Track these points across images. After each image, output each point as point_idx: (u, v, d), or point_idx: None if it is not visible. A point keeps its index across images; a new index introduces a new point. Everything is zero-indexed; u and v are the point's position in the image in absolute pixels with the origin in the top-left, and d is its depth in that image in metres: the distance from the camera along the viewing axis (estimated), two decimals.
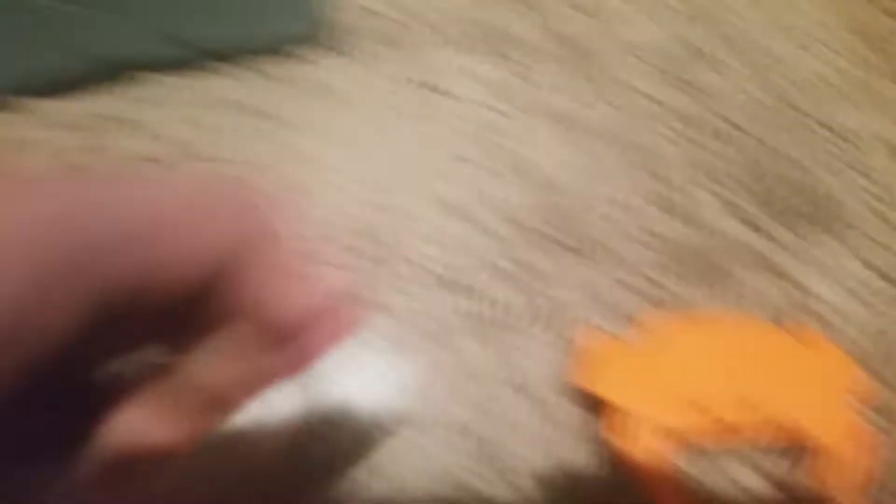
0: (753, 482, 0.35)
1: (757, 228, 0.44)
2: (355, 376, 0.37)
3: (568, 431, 0.36)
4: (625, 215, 0.44)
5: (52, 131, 0.46)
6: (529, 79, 0.52)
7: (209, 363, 0.21)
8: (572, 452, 0.35)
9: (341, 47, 0.53)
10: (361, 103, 0.50)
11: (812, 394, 0.35)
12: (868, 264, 0.43)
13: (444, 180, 0.45)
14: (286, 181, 0.45)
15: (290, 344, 0.22)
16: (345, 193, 0.44)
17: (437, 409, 0.36)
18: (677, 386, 0.35)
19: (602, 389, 0.35)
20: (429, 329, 0.39)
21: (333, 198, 0.44)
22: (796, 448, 0.35)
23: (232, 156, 0.46)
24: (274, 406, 0.35)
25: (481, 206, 0.44)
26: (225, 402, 0.22)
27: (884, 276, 0.42)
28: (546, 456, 0.35)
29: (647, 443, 0.33)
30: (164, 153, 0.46)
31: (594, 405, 0.36)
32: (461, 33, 0.55)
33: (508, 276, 0.41)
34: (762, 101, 0.52)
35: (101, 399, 0.22)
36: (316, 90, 0.50)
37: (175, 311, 0.21)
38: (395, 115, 0.49)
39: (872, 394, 0.36)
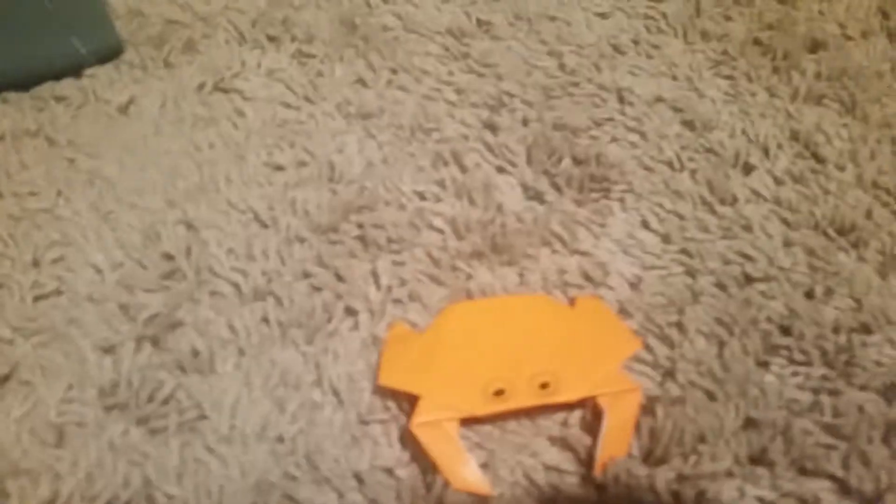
0: (549, 451, 0.37)
1: (547, 203, 0.47)
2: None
3: (383, 430, 0.37)
4: (425, 205, 0.46)
5: None
6: (326, 73, 0.53)
7: None
8: (389, 451, 0.37)
9: (138, 61, 0.53)
10: (163, 117, 0.50)
11: (588, 359, 0.38)
12: (646, 225, 0.46)
13: (248, 187, 0.46)
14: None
15: None
16: (151, 214, 0.45)
17: (255, 421, 0.37)
18: (466, 368, 0.38)
19: (397, 381, 0.37)
20: (240, 341, 0.40)
21: (140, 219, 0.45)
22: (581, 411, 0.38)
23: (38, 190, 0.46)
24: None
25: (286, 212, 0.45)
26: None
27: (663, 238, 0.45)
28: (366, 457, 0.36)
29: (441, 427, 0.36)
30: None
31: (407, 400, 0.37)
32: (258, 32, 0.56)
33: (316, 280, 0.42)
34: (546, 70, 0.55)
35: None
36: (115, 110, 0.50)
37: None
38: (196, 125, 0.50)
39: (642, 349, 0.40)
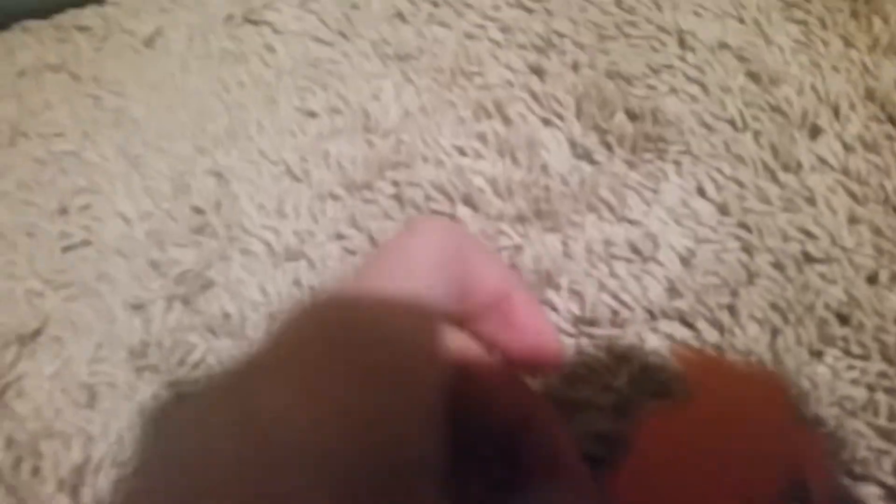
0: None
1: (596, 164, 0.43)
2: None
3: None
4: (464, 163, 0.43)
5: None
6: (362, 5, 0.49)
7: None
8: None
9: None
10: (190, 52, 0.47)
11: None
12: (702, 193, 0.43)
13: (280, 136, 0.44)
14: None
15: None
16: (180, 160, 0.43)
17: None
18: None
19: None
20: (272, 305, 0.39)
21: (168, 166, 0.43)
22: None
23: (64, 131, 0.44)
24: None
25: (319, 166, 0.43)
26: None
27: (719, 208, 0.42)
28: None
29: None
30: None
31: None
32: None
33: (349, 242, 0.40)
34: (601, 6, 0.50)
35: None
36: (140, 43, 0.47)
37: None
38: (225, 61, 0.47)
39: (690, 335, 0.37)
